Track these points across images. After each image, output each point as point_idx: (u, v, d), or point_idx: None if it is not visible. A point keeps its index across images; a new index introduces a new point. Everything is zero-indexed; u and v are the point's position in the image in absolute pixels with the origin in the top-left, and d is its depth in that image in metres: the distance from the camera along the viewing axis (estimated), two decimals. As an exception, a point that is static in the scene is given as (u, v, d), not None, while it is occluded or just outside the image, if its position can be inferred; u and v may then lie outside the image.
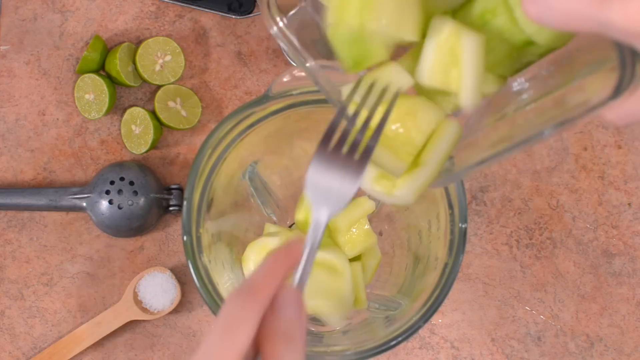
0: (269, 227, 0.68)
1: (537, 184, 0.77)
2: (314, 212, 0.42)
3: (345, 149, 0.42)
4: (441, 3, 0.44)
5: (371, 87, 0.44)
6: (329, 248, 0.65)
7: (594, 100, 0.36)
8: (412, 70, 0.45)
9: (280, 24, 0.45)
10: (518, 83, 0.45)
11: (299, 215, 0.69)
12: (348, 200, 0.42)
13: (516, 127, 0.43)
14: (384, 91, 0.44)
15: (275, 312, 0.38)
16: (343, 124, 0.43)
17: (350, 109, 0.43)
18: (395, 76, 0.44)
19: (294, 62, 0.75)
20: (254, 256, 0.65)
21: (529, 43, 0.42)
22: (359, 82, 0.44)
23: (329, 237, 0.67)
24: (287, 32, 0.45)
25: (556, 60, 0.43)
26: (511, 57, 0.43)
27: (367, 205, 0.66)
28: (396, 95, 0.43)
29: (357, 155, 0.42)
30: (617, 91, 0.35)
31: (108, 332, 0.74)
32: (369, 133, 0.42)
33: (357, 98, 0.43)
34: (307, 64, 0.46)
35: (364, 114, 0.43)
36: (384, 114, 0.43)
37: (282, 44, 0.46)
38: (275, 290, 0.38)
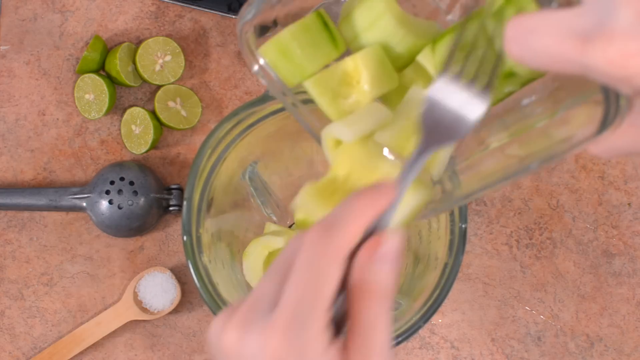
0: (270, 227, 0.68)
1: (537, 184, 0.77)
2: (420, 144, 0.37)
3: (466, 76, 0.37)
4: (421, 34, 0.44)
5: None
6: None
7: (579, 136, 0.36)
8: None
9: (261, 61, 0.45)
10: (527, 100, 0.45)
11: (299, 215, 0.69)
12: (465, 132, 0.37)
13: (504, 159, 0.42)
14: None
15: (374, 261, 0.35)
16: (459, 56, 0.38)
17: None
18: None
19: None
20: (256, 253, 0.65)
21: (510, 74, 0.41)
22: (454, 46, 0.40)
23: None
24: (268, 69, 0.45)
25: (539, 89, 0.43)
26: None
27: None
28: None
29: (479, 85, 0.37)
30: (602, 127, 0.35)
31: (108, 332, 0.74)
32: (491, 56, 0.38)
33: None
34: (289, 100, 0.46)
35: (481, 41, 0.39)
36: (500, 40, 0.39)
37: (263, 81, 0.45)
38: (363, 232, 0.35)
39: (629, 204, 0.77)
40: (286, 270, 0.35)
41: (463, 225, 0.58)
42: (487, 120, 0.44)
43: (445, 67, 0.38)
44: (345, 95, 0.45)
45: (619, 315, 0.76)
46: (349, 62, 0.44)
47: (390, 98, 0.47)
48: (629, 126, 0.35)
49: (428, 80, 0.45)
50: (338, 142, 0.45)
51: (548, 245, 0.76)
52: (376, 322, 0.34)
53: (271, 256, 0.65)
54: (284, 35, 0.43)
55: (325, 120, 0.45)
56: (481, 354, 0.75)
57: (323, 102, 0.44)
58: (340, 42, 0.45)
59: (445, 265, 0.58)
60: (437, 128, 0.37)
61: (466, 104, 0.37)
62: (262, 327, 0.34)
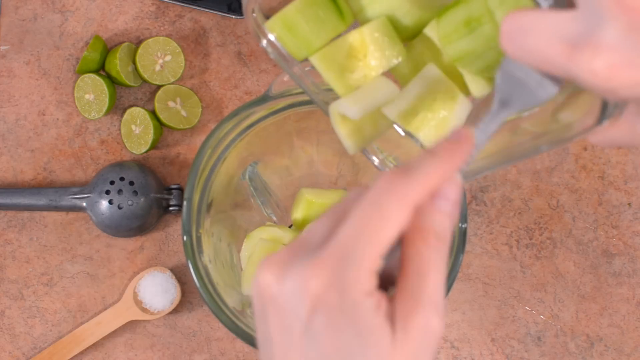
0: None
1: (537, 184, 0.77)
2: (497, 101, 0.37)
3: None
4: (426, 5, 0.44)
5: None
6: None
7: (580, 125, 0.36)
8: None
9: (270, 36, 0.45)
10: None
11: (297, 214, 0.69)
12: (545, 97, 0.36)
13: (515, 137, 0.42)
14: None
15: (433, 204, 0.33)
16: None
17: None
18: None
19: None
20: (258, 237, 0.65)
21: None
22: None
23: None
24: (277, 44, 0.45)
25: None
26: (499, 62, 0.43)
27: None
28: None
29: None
30: (600, 119, 0.35)
31: (108, 332, 0.74)
32: None
33: None
34: (298, 73, 0.46)
35: None
36: None
37: (272, 55, 0.45)
38: (440, 182, 0.33)
39: (629, 204, 0.77)
40: (344, 213, 0.32)
41: (463, 225, 0.58)
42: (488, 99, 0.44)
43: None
44: (352, 69, 0.44)
45: (619, 315, 0.76)
46: (355, 36, 0.43)
47: (397, 71, 0.47)
48: (623, 121, 0.36)
49: (435, 53, 0.45)
50: (346, 117, 0.45)
51: (548, 245, 0.76)
52: (429, 266, 0.32)
53: (268, 245, 0.65)
54: (290, 10, 0.43)
55: (335, 94, 0.45)
56: (481, 354, 0.75)
57: (329, 76, 0.44)
58: (348, 15, 0.45)
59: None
60: (517, 88, 0.36)
61: (543, 75, 0.36)
62: (305, 265, 0.31)
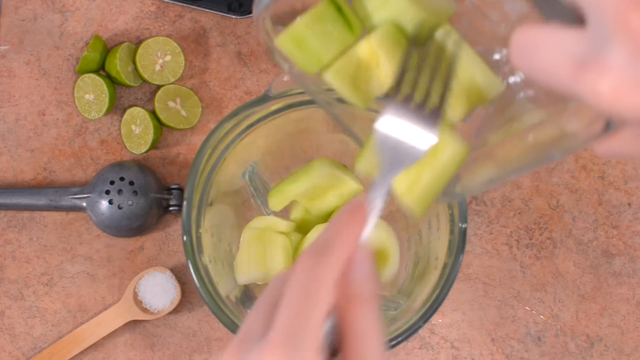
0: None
1: (537, 184, 0.77)
2: (381, 172, 0.39)
3: (417, 97, 0.39)
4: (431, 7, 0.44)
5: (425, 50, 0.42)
6: None
7: (584, 135, 0.36)
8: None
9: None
10: (523, 93, 0.45)
11: (295, 215, 0.69)
12: (421, 155, 0.38)
13: (522, 147, 0.42)
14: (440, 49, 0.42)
15: (351, 272, 0.36)
16: (409, 77, 0.40)
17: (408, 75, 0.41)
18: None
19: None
20: (253, 226, 0.66)
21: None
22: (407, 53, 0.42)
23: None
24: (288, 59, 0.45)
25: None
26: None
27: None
28: (458, 43, 0.42)
29: (429, 105, 0.39)
30: (606, 129, 0.36)
31: (108, 332, 0.74)
32: (441, 76, 0.40)
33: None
34: (312, 89, 0.46)
35: (429, 61, 0.41)
36: (451, 58, 0.41)
37: (286, 69, 0.45)
38: (349, 252, 0.36)
39: (629, 204, 0.77)
40: (275, 300, 0.35)
41: (463, 225, 0.58)
42: (488, 117, 0.44)
43: (394, 91, 0.40)
44: (366, 80, 0.45)
45: (619, 315, 0.76)
46: (364, 47, 0.44)
47: None
48: (628, 132, 0.36)
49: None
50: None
51: (548, 245, 0.76)
52: (366, 328, 0.35)
53: (264, 234, 0.66)
54: (298, 26, 0.43)
55: (351, 108, 0.46)
56: (481, 354, 0.75)
57: (346, 91, 0.44)
58: (356, 26, 0.44)
59: (445, 265, 0.58)
60: (394, 154, 0.39)
61: (418, 128, 0.39)
62: (257, 352, 0.34)
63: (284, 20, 0.45)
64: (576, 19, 0.31)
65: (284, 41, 0.44)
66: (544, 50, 0.32)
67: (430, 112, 0.39)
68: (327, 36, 0.43)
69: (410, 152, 0.39)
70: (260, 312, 0.36)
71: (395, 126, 0.39)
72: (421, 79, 0.40)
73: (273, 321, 0.34)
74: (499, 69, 0.45)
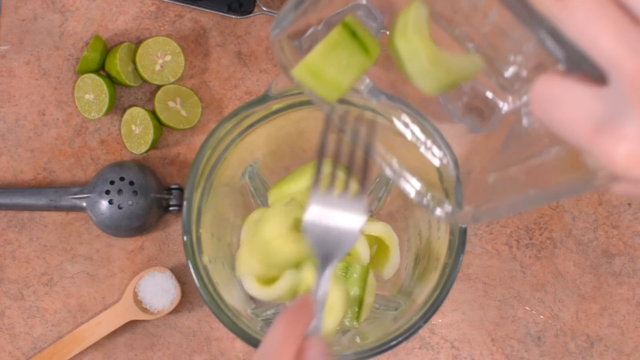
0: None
1: (537, 184, 0.77)
2: (319, 266, 0.40)
3: (337, 190, 0.40)
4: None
5: (345, 120, 0.44)
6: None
7: (602, 174, 0.36)
8: None
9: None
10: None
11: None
12: (352, 243, 0.40)
13: (543, 180, 0.42)
14: (358, 122, 0.43)
15: None
16: (327, 170, 0.42)
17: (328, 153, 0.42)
18: None
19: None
20: (254, 219, 0.66)
21: None
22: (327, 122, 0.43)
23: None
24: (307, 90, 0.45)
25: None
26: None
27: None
28: (372, 124, 0.43)
29: (350, 194, 0.41)
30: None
31: (108, 332, 0.74)
32: (359, 162, 0.41)
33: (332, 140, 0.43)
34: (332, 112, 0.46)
35: (345, 148, 0.42)
36: (366, 140, 0.42)
37: (308, 95, 0.45)
38: (296, 353, 0.37)
39: (629, 204, 0.77)
40: None
41: (463, 225, 0.58)
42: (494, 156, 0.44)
43: (314, 184, 0.41)
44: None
45: (619, 315, 0.76)
46: None
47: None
48: None
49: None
50: None
51: (548, 245, 0.76)
52: None
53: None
54: (314, 57, 0.43)
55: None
56: (481, 354, 0.75)
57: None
58: (373, 49, 0.44)
59: (445, 265, 0.58)
60: (326, 246, 0.40)
61: (346, 215, 0.40)
62: None
63: (299, 34, 0.44)
64: (599, 74, 0.31)
65: (301, 72, 0.43)
66: (563, 106, 0.32)
67: (354, 199, 0.41)
68: (344, 63, 0.43)
69: (342, 240, 0.40)
70: None
71: (322, 219, 0.41)
72: (339, 171, 0.41)
73: None
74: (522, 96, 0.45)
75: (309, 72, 0.43)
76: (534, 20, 0.34)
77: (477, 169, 0.48)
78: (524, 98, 0.45)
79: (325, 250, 0.41)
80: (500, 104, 0.47)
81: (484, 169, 0.47)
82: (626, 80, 0.29)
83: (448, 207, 0.48)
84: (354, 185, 0.41)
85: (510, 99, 0.46)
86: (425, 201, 0.49)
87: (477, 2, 0.43)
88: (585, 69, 0.32)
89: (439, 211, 0.48)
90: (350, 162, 0.41)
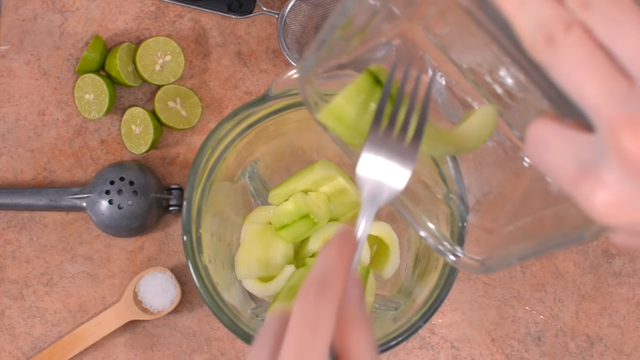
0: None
1: (537, 184, 0.77)
2: (366, 200, 0.41)
3: (395, 131, 0.41)
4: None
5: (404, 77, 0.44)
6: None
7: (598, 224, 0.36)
8: None
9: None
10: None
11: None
12: (402, 185, 0.41)
13: (550, 228, 0.42)
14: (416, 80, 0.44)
15: (343, 301, 0.38)
16: (386, 111, 0.42)
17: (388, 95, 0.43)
18: None
19: (293, 62, 0.76)
20: (252, 219, 0.67)
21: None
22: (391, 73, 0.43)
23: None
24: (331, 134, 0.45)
25: None
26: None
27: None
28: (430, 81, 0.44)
29: (407, 139, 0.41)
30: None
31: (108, 332, 0.74)
32: (417, 109, 0.42)
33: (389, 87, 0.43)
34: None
35: (405, 99, 0.42)
36: (426, 92, 0.43)
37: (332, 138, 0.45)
38: (345, 282, 0.38)
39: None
40: (277, 336, 0.37)
41: (463, 225, 0.58)
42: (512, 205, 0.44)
43: (374, 124, 0.41)
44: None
45: (619, 315, 0.76)
46: None
47: None
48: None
49: None
50: None
51: (548, 245, 0.76)
52: (363, 350, 0.37)
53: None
54: (339, 103, 0.43)
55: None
56: (481, 354, 0.75)
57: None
58: (394, 93, 0.44)
59: (445, 265, 0.58)
60: (375, 185, 0.41)
61: (397, 160, 0.41)
62: None
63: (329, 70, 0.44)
64: (588, 121, 0.32)
65: (326, 117, 0.44)
66: (553, 149, 0.33)
67: (409, 145, 0.41)
68: (368, 110, 0.43)
69: (388, 186, 0.41)
70: (264, 347, 0.37)
71: (376, 161, 0.41)
72: (399, 114, 0.42)
73: (280, 355, 0.36)
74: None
75: (334, 117, 0.44)
76: (531, 66, 0.34)
77: (496, 220, 0.48)
78: None
79: (373, 186, 0.41)
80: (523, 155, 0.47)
81: (502, 219, 0.47)
82: (606, 128, 0.30)
83: (459, 253, 0.49)
84: (410, 132, 0.41)
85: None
86: (440, 245, 0.50)
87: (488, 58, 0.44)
88: (577, 115, 0.32)
89: (450, 257, 0.49)
90: (411, 102, 0.42)
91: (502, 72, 0.43)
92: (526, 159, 0.46)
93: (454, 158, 0.52)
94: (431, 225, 0.49)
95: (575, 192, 0.32)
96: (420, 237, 0.50)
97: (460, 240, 0.50)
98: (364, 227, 0.41)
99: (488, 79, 0.45)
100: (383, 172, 0.41)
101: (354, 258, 0.39)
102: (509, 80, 0.44)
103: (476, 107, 0.46)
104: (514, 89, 0.44)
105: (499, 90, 0.45)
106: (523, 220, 0.45)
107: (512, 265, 0.43)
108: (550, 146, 0.33)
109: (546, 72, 0.31)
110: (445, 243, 0.49)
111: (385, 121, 0.42)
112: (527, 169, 0.47)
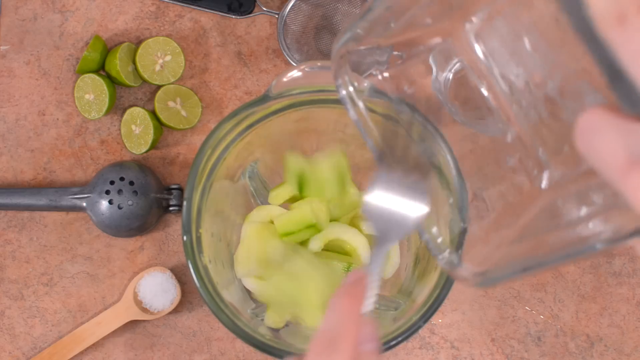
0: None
1: (537, 184, 0.77)
2: (376, 242, 0.40)
3: (404, 167, 0.40)
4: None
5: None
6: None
7: (622, 231, 0.35)
8: None
9: (350, 89, 0.43)
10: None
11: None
12: (413, 227, 0.39)
13: (562, 241, 0.42)
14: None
15: (361, 350, 0.37)
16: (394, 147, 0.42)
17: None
18: None
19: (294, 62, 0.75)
20: (257, 217, 0.67)
21: None
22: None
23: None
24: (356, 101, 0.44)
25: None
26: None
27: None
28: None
29: (416, 173, 0.40)
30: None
31: (108, 332, 0.74)
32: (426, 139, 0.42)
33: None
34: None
35: (416, 128, 0.42)
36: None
37: (350, 112, 0.44)
38: (357, 334, 0.37)
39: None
40: None
41: (464, 225, 0.58)
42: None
43: (379, 164, 0.41)
44: None
45: (619, 315, 0.76)
46: None
47: None
48: None
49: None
50: None
51: (548, 245, 0.76)
52: None
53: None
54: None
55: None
56: (481, 354, 0.75)
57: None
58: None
59: (445, 265, 0.58)
60: (385, 226, 0.40)
61: (407, 199, 0.40)
62: None
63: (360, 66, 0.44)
64: None
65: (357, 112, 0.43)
66: (603, 136, 0.31)
67: (417, 180, 0.40)
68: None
69: (400, 223, 0.40)
70: None
71: (384, 199, 0.40)
72: (402, 149, 0.41)
73: None
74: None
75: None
76: (595, 43, 0.33)
77: (499, 235, 0.48)
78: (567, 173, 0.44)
79: (384, 229, 0.40)
80: (542, 178, 0.46)
81: (506, 236, 0.47)
82: None
83: (454, 259, 0.48)
84: (422, 164, 0.40)
85: (546, 175, 0.45)
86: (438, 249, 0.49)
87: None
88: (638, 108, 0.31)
89: (443, 261, 0.48)
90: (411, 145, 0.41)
91: (540, 82, 0.42)
92: (545, 180, 0.45)
93: (458, 171, 0.51)
94: (434, 230, 0.49)
95: (622, 183, 0.30)
96: (422, 239, 0.50)
97: (458, 247, 0.49)
98: (376, 268, 0.39)
99: (523, 91, 0.44)
100: (396, 209, 0.40)
101: (366, 303, 0.38)
102: (549, 92, 0.43)
103: (494, 115, 0.46)
104: (550, 103, 0.43)
105: (529, 102, 0.44)
106: (528, 238, 0.45)
107: (515, 276, 0.42)
108: (601, 134, 0.31)
109: (610, 52, 0.30)
110: (445, 250, 0.49)
111: (393, 157, 0.41)
112: (543, 191, 0.46)
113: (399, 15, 0.41)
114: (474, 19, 0.43)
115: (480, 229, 0.50)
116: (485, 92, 0.45)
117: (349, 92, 0.43)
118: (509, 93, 0.44)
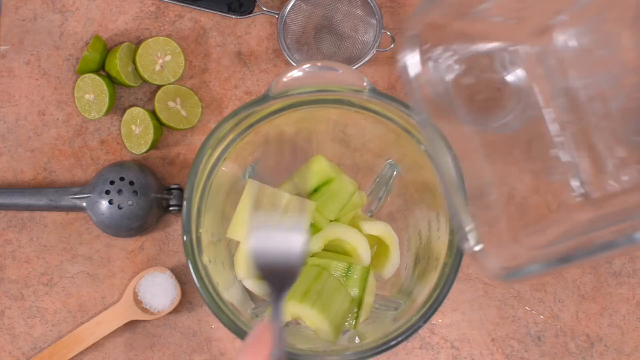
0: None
1: (538, 183, 0.77)
2: (272, 298, 0.41)
3: (279, 213, 0.41)
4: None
5: None
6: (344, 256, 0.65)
7: None
8: None
9: (415, 58, 0.43)
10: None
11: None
12: (300, 266, 0.40)
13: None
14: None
15: None
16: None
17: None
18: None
19: (291, 62, 0.75)
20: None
21: None
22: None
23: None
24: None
25: None
26: None
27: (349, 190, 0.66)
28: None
29: (290, 219, 0.41)
30: None
31: (108, 332, 0.74)
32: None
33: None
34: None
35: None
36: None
37: (407, 79, 0.44)
38: None
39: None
40: None
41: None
42: None
43: (253, 208, 0.41)
44: None
45: (619, 315, 0.76)
46: None
47: None
48: None
49: None
50: None
51: (548, 245, 0.76)
52: None
53: None
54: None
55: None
56: (481, 354, 0.75)
57: None
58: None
59: (445, 265, 0.58)
60: (276, 275, 0.41)
61: (287, 242, 0.41)
62: None
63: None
64: None
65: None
66: None
67: (293, 225, 0.42)
68: None
69: (290, 266, 0.41)
70: None
71: (266, 242, 0.41)
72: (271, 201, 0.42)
73: None
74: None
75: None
76: None
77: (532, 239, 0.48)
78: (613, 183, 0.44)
79: (276, 279, 0.41)
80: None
81: (540, 240, 0.46)
82: None
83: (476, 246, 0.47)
84: (294, 202, 0.41)
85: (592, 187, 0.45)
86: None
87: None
88: None
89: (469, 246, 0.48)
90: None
91: (605, 99, 0.42)
92: (586, 194, 0.45)
93: (458, 171, 0.51)
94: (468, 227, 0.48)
95: None
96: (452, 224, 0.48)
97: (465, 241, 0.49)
98: (277, 317, 0.40)
99: (584, 105, 0.43)
100: (279, 252, 0.41)
101: (271, 350, 0.39)
102: (611, 109, 0.42)
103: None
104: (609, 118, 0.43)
105: (587, 116, 0.43)
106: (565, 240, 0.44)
107: (552, 268, 0.41)
108: None
109: None
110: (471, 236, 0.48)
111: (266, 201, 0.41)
112: (584, 205, 0.45)
113: (475, 4, 0.41)
114: (552, 32, 0.43)
115: (510, 229, 0.49)
116: (542, 103, 0.45)
117: (412, 62, 0.43)
118: (569, 109, 0.44)
